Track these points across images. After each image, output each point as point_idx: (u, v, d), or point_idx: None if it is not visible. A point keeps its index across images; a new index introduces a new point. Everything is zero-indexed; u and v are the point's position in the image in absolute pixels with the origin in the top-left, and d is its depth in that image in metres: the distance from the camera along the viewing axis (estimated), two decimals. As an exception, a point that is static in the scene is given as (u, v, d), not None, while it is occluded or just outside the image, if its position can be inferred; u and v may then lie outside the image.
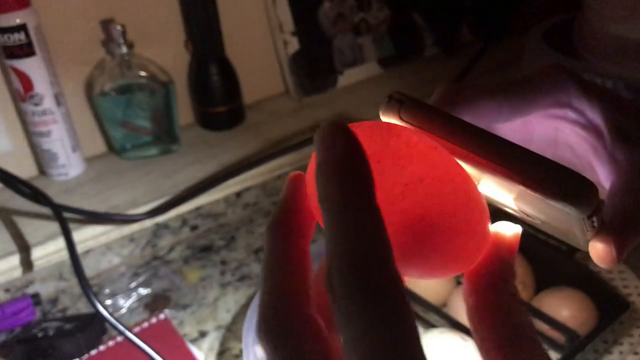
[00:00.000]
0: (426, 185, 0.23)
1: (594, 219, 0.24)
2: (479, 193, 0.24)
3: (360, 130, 0.24)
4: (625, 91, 0.70)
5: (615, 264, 0.26)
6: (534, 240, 0.63)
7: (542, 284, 0.61)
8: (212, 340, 0.63)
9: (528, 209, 0.26)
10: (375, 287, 0.19)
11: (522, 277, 0.60)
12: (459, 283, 0.62)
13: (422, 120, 0.24)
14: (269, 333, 0.23)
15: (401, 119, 0.24)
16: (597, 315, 0.57)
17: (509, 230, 0.25)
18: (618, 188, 0.28)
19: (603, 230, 0.25)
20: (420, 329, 0.61)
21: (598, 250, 0.26)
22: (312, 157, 0.24)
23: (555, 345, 0.55)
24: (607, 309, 0.58)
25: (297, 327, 0.23)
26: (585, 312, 0.57)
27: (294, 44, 0.91)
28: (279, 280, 0.24)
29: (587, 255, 0.71)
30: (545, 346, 0.57)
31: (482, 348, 0.24)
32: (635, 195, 0.27)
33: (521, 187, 0.23)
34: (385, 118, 0.25)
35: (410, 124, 0.24)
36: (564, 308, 0.57)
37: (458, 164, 0.24)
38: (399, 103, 0.24)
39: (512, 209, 0.28)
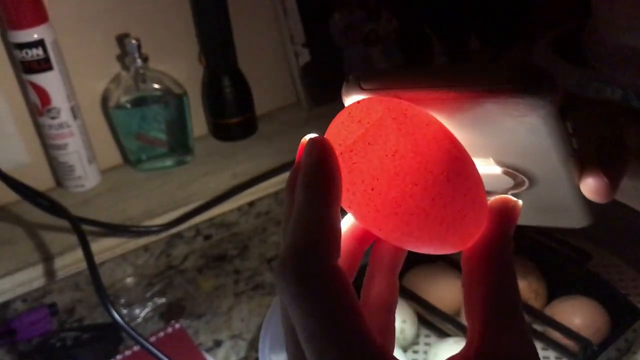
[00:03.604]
0: (421, 156, 0.24)
1: (569, 126, 0.25)
2: (473, 164, 0.25)
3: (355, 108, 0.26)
4: (636, 100, 0.70)
5: (612, 196, 0.26)
6: (546, 248, 0.63)
7: (554, 293, 0.61)
8: (227, 350, 0.63)
9: (510, 159, 0.27)
10: (305, 273, 0.22)
11: (535, 286, 0.60)
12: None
13: (381, 83, 0.26)
14: (294, 279, 0.22)
15: (362, 89, 0.26)
16: (610, 323, 0.57)
17: (510, 203, 0.25)
18: (587, 136, 0.28)
19: (587, 166, 0.26)
20: (435, 339, 0.61)
21: (590, 185, 0.26)
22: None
23: (569, 354, 0.56)
24: (620, 317, 0.58)
25: (328, 276, 0.22)
26: (598, 321, 0.57)
27: (305, 55, 0.92)
28: (310, 228, 0.23)
29: (599, 263, 0.70)
30: (559, 355, 0.57)
31: (472, 312, 0.24)
32: (604, 132, 0.28)
33: (493, 104, 0.24)
34: (346, 97, 0.27)
35: (371, 90, 0.26)
36: (577, 316, 0.57)
37: (455, 140, 0.25)
38: (357, 79, 0.27)
39: (500, 187, 0.29)
